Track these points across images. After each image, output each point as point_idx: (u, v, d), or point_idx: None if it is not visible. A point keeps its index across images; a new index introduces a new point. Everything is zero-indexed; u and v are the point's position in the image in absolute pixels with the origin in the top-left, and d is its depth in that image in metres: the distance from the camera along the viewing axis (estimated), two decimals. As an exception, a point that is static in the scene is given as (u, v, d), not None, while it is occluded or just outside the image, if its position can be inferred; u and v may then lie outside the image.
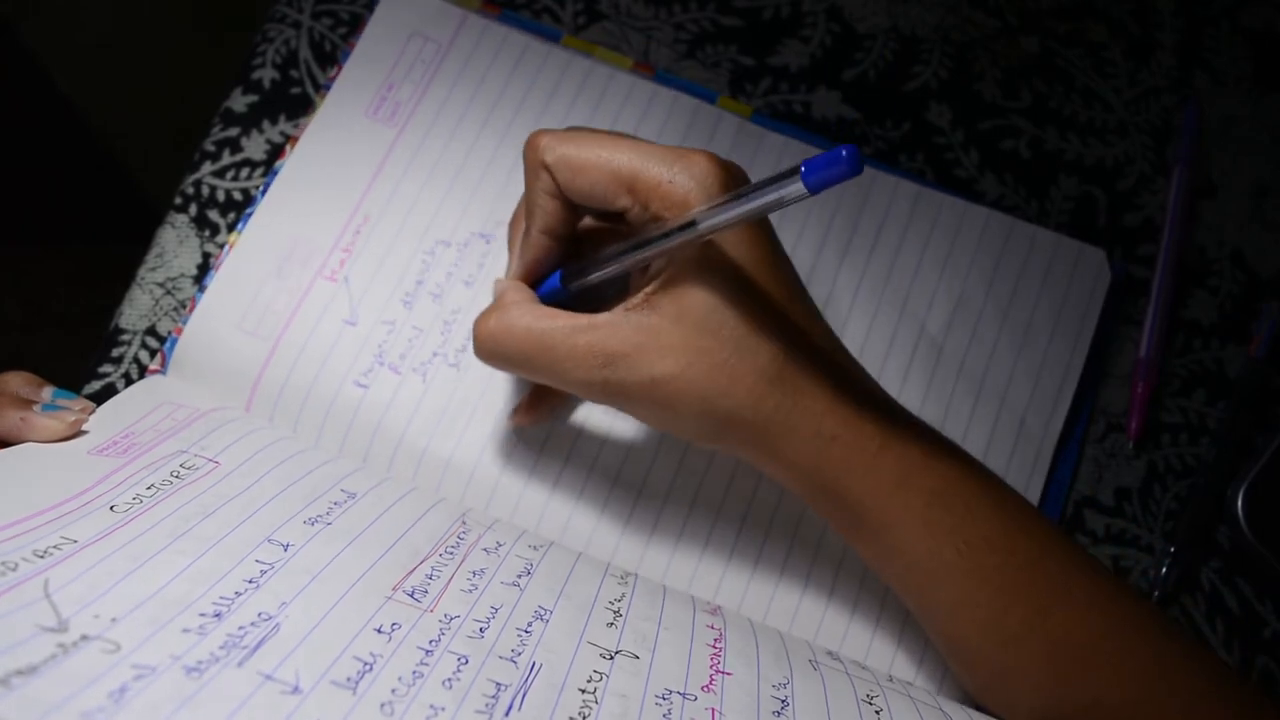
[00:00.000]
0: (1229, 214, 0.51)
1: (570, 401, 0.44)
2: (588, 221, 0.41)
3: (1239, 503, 0.45)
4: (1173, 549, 0.45)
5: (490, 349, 0.37)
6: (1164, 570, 0.45)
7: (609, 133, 0.37)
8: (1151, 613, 0.38)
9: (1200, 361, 0.49)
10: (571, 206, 0.38)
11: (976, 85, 0.52)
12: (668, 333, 0.35)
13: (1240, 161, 0.52)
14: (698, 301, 0.35)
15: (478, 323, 0.38)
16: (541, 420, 0.43)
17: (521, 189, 0.46)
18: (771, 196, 0.30)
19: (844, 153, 0.27)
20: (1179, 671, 0.36)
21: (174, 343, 0.43)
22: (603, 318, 0.36)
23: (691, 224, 0.33)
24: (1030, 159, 0.51)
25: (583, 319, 0.36)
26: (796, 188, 0.29)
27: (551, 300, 0.39)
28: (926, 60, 0.52)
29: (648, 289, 0.36)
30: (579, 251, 0.40)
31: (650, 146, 0.36)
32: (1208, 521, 0.46)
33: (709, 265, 0.35)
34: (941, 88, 0.52)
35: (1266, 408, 0.48)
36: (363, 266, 0.45)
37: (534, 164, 0.37)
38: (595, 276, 0.38)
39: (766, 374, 0.35)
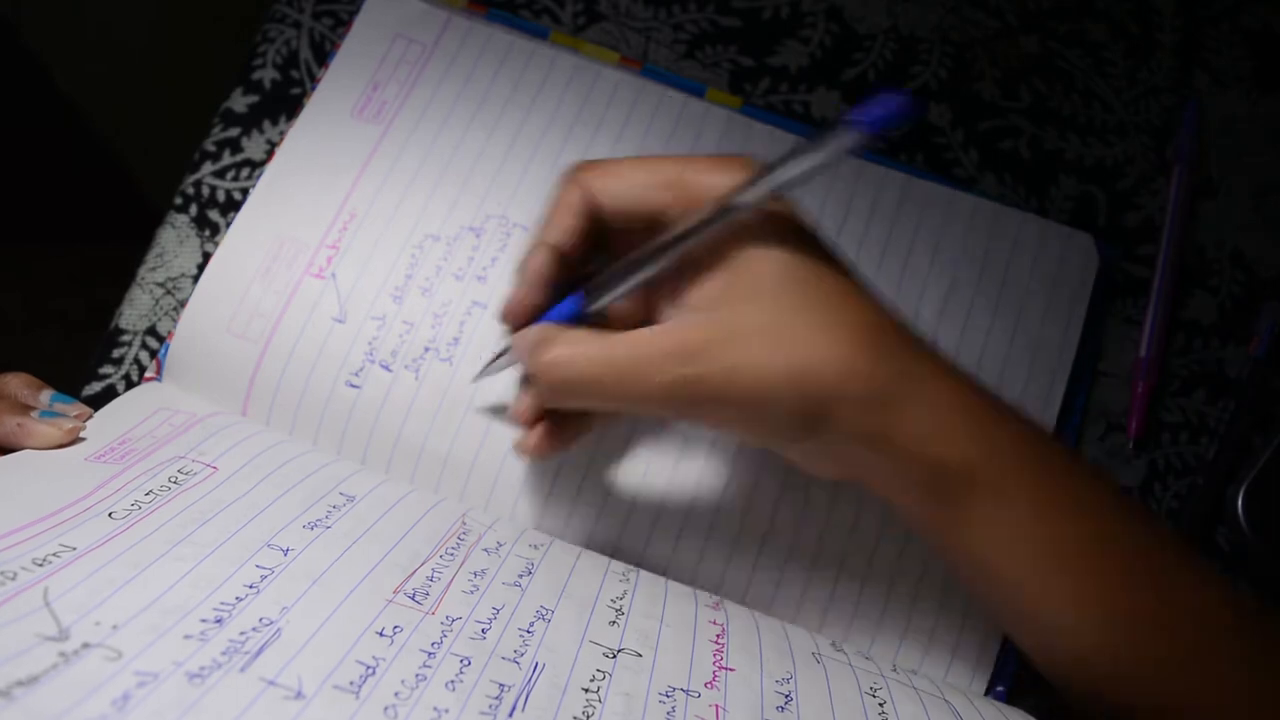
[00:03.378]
0: (1229, 214, 0.51)
1: (593, 434, 0.42)
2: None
3: (1239, 503, 0.45)
4: (1173, 549, 0.45)
5: (559, 381, 0.34)
6: (1164, 570, 0.45)
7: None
8: (1255, 603, 0.36)
9: (1200, 361, 0.49)
10: (589, 230, 0.36)
11: (976, 85, 0.52)
12: (741, 315, 0.32)
13: (1240, 161, 0.52)
14: (764, 276, 0.32)
15: (536, 362, 0.35)
16: (561, 451, 0.39)
17: (512, 180, 0.46)
18: (823, 152, 0.28)
19: (895, 97, 0.26)
20: None
21: (167, 348, 0.43)
22: (660, 325, 0.33)
23: (744, 191, 0.31)
24: (1030, 159, 0.51)
25: (641, 331, 0.33)
26: (848, 137, 0.27)
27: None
28: (926, 60, 0.52)
29: (704, 283, 0.33)
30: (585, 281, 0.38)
31: (688, 156, 0.35)
32: (1208, 521, 0.46)
33: (765, 240, 0.32)
34: (941, 88, 0.52)
35: (1266, 408, 0.48)
36: (350, 263, 0.44)
37: (569, 182, 0.36)
38: (627, 282, 0.35)
39: (857, 340, 0.32)
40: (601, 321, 0.37)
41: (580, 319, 0.37)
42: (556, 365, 0.34)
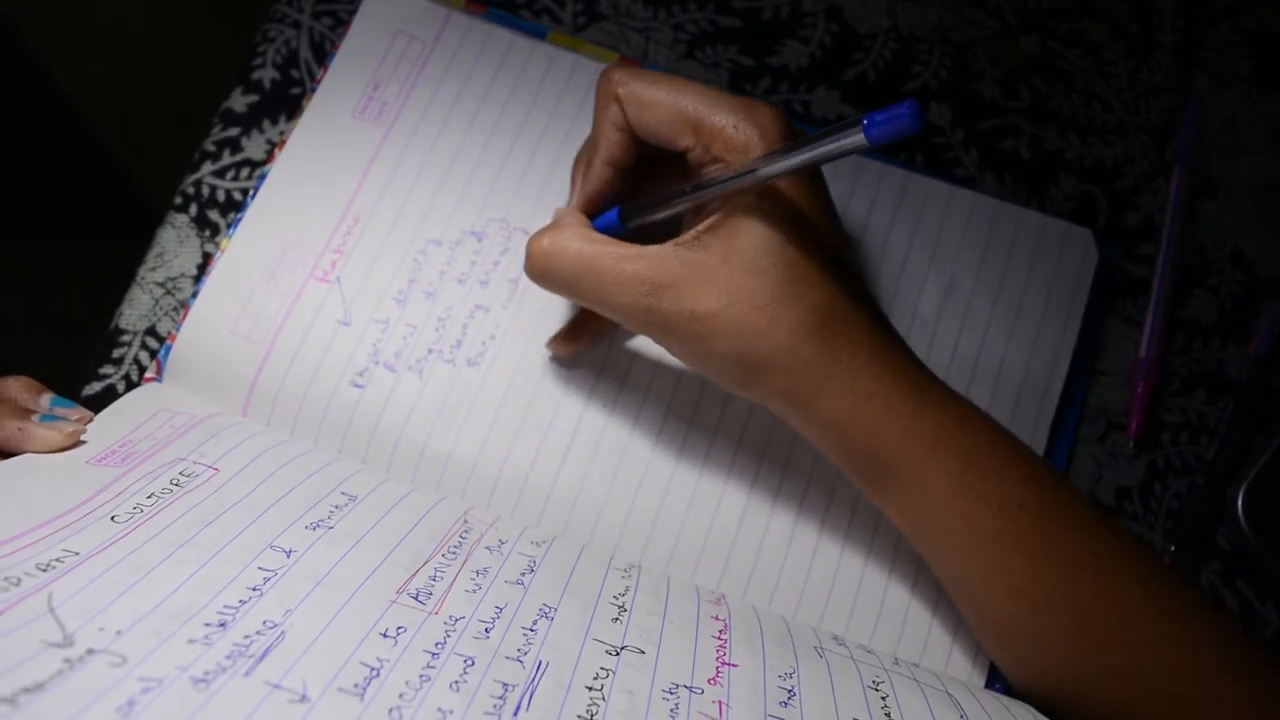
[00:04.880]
0: (1229, 214, 0.51)
1: (605, 337, 0.45)
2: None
3: (1239, 503, 0.45)
4: (1174, 548, 0.45)
5: (542, 266, 0.38)
6: (1164, 570, 0.45)
7: (681, 77, 0.38)
8: (1176, 578, 0.38)
9: (1200, 361, 0.49)
10: (635, 141, 0.39)
11: (976, 85, 0.52)
12: (714, 270, 0.35)
13: (1240, 161, 0.52)
14: (747, 243, 0.35)
15: (531, 241, 0.38)
16: (578, 350, 0.44)
17: (512, 184, 0.47)
18: (831, 146, 0.31)
19: (905, 107, 0.28)
20: (1203, 638, 0.36)
21: (168, 349, 0.43)
22: (652, 249, 0.36)
23: (752, 170, 0.34)
24: (1030, 159, 0.51)
25: (632, 248, 0.37)
26: (857, 139, 0.30)
27: (607, 234, 0.40)
28: (926, 60, 0.52)
29: (700, 227, 0.36)
30: (637, 194, 0.41)
31: (719, 93, 0.37)
32: (1208, 520, 0.46)
33: (762, 210, 0.36)
34: (941, 88, 0.52)
35: (1266, 408, 0.48)
36: (354, 267, 0.45)
37: (606, 96, 0.38)
38: (652, 215, 0.39)
39: (806, 323, 0.35)
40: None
41: (618, 232, 0.40)
42: (544, 253, 0.38)
